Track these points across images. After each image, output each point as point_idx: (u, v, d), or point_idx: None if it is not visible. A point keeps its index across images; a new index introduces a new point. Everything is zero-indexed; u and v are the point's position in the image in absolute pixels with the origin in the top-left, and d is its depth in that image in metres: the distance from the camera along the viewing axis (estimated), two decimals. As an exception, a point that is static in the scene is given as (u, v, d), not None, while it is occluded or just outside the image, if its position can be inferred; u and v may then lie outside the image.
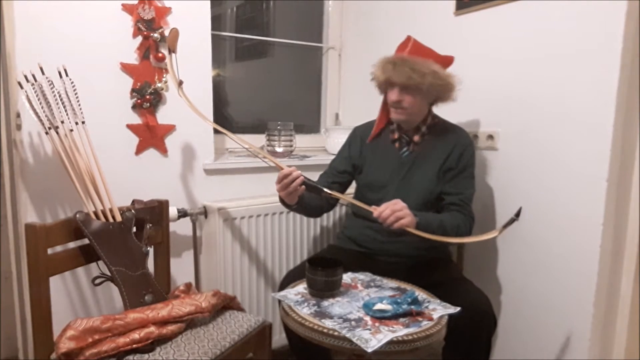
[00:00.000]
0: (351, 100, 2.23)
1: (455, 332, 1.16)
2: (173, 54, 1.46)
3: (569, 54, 1.38)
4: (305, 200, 1.41)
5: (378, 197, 1.48)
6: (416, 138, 1.48)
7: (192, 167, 1.70)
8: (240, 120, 2.06)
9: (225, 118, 1.99)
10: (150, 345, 1.11)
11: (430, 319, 1.09)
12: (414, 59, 1.36)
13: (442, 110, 1.62)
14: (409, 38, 1.44)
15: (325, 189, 1.32)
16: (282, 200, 1.42)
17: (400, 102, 1.39)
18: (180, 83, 1.47)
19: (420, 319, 1.08)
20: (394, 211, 1.22)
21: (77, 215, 1.19)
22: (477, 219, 1.54)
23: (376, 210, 1.24)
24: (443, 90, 1.40)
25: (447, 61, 1.44)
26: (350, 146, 1.60)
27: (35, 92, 1.22)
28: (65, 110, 1.28)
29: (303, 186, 1.30)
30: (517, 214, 1.20)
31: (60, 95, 1.27)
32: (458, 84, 1.42)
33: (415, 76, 1.34)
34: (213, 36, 1.70)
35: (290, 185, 1.29)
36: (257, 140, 2.00)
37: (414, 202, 1.42)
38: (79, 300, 1.52)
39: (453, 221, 1.38)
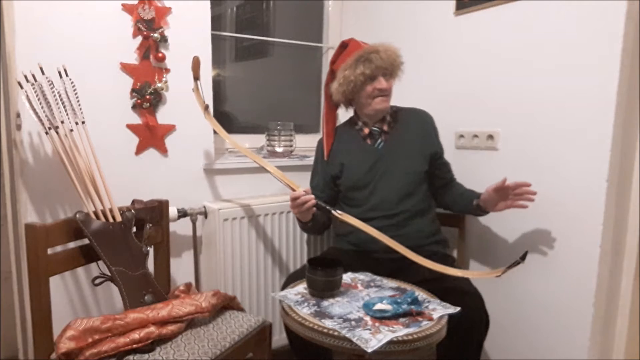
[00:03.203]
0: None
1: (448, 330, 1.16)
2: (198, 81, 1.58)
3: (568, 54, 1.38)
4: (317, 217, 1.50)
5: (366, 194, 1.51)
6: (385, 127, 1.55)
7: (192, 167, 1.70)
8: (240, 120, 2.06)
9: (225, 118, 1.99)
10: (150, 345, 1.11)
11: (430, 319, 1.09)
12: (384, 45, 1.46)
13: (442, 110, 1.62)
14: (352, 39, 1.52)
15: (336, 211, 1.42)
16: (298, 219, 1.54)
17: (388, 88, 1.47)
18: (206, 107, 1.59)
19: (420, 319, 1.08)
20: None
21: (77, 215, 1.19)
22: (478, 218, 1.55)
23: None
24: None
25: None
26: (322, 161, 1.61)
27: (35, 92, 1.22)
28: (65, 110, 1.28)
29: (314, 209, 1.41)
30: (523, 257, 1.27)
31: (60, 95, 1.27)
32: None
33: (397, 57, 1.47)
34: (213, 36, 1.70)
35: (303, 206, 1.38)
36: (257, 140, 2.00)
37: (405, 185, 1.49)
38: (79, 300, 1.52)
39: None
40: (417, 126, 1.56)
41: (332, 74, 1.55)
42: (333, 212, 1.41)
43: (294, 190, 1.41)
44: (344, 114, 1.68)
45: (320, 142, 1.66)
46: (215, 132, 1.73)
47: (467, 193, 1.53)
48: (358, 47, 1.47)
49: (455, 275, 1.33)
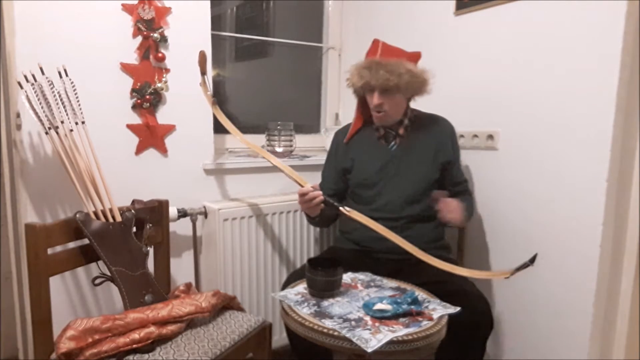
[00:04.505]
0: (351, 100, 2.20)
1: (451, 332, 1.16)
2: (205, 76, 1.58)
3: (568, 54, 1.38)
4: (324, 212, 1.50)
5: (373, 193, 1.51)
6: (401, 131, 1.53)
7: (192, 167, 1.70)
8: (240, 120, 2.06)
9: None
10: (150, 345, 1.11)
11: (430, 319, 1.09)
12: (387, 60, 1.40)
13: (442, 110, 1.62)
14: (377, 41, 1.47)
15: (344, 208, 1.40)
16: (305, 214, 1.55)
17: (382, 105, 1.42)
18: (214, 102, 1.59)
19: (420, 319, 1.08)
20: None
21: (77, 215, 1.19)
22: (478, 219, 1.55)
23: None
24: (419, 87, 1.44)
25: (416, 57, 1.48)
26: (337, 153, 1.62)
27: (35, 92, 1.22)
28: (65, 110, 1.28)
29: (322, 204, 1.41)
30: (532, 260, 1.24)
31: (60, 95, 1.27)
32: (431, 77, 1.45)
33: (393, 77, 1.37)
34: (213, 36, 1.70)
35: (311, 202, 1.39)
36: (257, 140, 2.00)
37: (413, 191, 1.48)
38: (79, 300, 1.52)
39: (469, 204, 1.53)
40: (434, 133, 1.53)
41: None
42: (340, 208, 1.40)
43: (302, 186, 1.42)
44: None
45: (337, 133, 1.66)
46: (215, 131, 1.73)
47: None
48: (372, 53, 1.45)
49: (463, 275, 1.31)
